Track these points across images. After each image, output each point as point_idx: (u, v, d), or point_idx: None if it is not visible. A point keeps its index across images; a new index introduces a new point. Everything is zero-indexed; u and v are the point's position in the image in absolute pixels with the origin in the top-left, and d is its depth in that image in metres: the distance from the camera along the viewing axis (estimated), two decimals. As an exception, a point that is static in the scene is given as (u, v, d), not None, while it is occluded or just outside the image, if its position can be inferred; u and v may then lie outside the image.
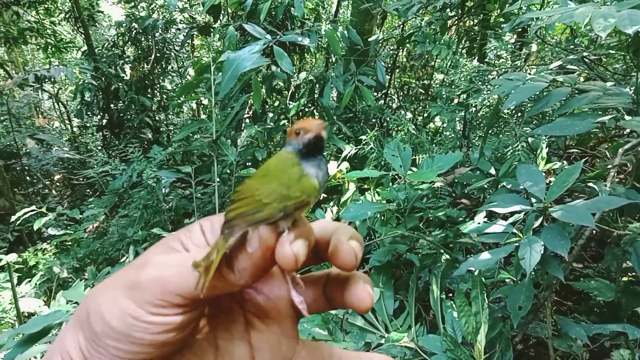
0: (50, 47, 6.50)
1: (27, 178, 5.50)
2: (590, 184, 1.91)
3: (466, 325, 1.66)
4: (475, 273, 1.77)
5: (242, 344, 0.42)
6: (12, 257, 3.16)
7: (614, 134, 3.02)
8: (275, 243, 0.38)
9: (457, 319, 1.74)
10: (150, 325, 0.35)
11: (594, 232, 1.74)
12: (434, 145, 3.58)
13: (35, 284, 3.03)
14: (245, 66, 2.70)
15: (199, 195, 3.88)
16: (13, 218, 2.98)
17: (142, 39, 5.68)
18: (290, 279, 0.42)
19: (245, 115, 4.22)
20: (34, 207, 3.01)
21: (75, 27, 6.48)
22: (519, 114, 3.16)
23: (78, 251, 3.62)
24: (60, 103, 7.09)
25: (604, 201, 1.50)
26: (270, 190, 0.40)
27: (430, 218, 2.58)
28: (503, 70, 3.14)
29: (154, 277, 0.36)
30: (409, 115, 4.61)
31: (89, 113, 5.86)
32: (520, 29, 3.40)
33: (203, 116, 6.48)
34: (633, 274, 1.99)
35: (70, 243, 3.90)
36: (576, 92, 1.86)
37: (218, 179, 3.25)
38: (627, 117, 1.66)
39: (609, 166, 1.88)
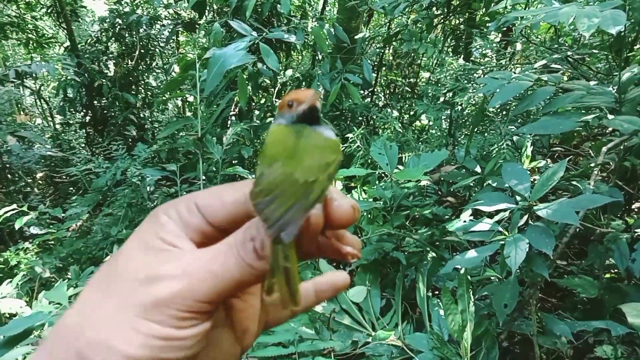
0: (31, 42, 6.38)
1: (8, 176, 5.40)
2: (574, 182, 1.93)
3: (452, 323, 1.67)
4: (461, 271, 1.78)
5: (225, 331, 0.41)
6: (-7, 256, 3.11)
7: (597, 133, 3.05)
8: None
9: (443, 317, 1.75)
10: (184, 340, 0.32)
11: (578, 229, 1.77)
12: (420, 143, 3.60)
13: (17, 284, 2.97)
14: (231, 63, 2.68)
15: (185, 193, 3.84)
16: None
17: (126, 35, 5.60)
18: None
19: (231, 113, 4.20)
20: (14, 206, 2.96)
21: (58, 22, 6.37)
22: (504, 113, 3.18)
23: (61, 250, 3.56)
24: (42, 99, 6.97)
25: (588, 199, 1.51)
26: (309, 166, 0.37)
27: (417, 216, 2.59)
28: (488, 69, 3.17)
29: (179, 290, 0.33)
30: (396, 113, 4.63)
31: (72, 110, 5.77)
32: (505, 28, 3.42)
33: (188, 113, 6.43)
34: (616, 271, 2.02)
35: (52, 242, 3.83)
36: (560, 91, 1.88)
37: (204, 177, 3.22)
38: (610, 116, 1.68)
39: (592, 165, 1.90)
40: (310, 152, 0.39)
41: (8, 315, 2.49)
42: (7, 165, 5.30)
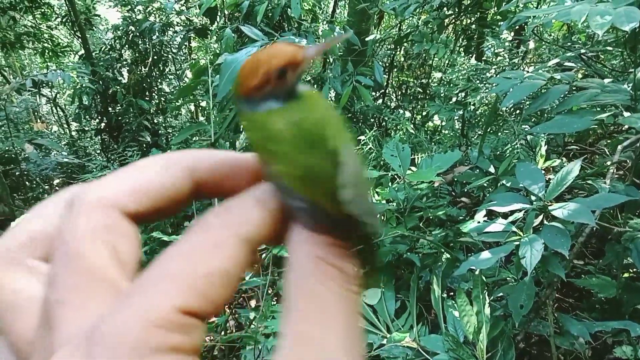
0: (47, 51, 6.49)
1: (27, 183, 5.49)
2: (590, 182, 1.91)
3: (468, 324, 1.66)
4: (476, 272, 1.77)
5: None
6: (12, 262, 3.15)
7: (613, 131, 3.01)
8: None
9: (458, 319, 1.74)
10: None
11: (595, 229, 1.74)
12: (432, 144, 3.58)
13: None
14: (242, 68, 2.70)
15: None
16: (13, 224, 2.97)
17: (139, 42, 5.67)
18: None
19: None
20: (33, 213, 3.00)
21: (72, 31, 6.48)
22: (518, 112, 3.16)
23: (78, 256, 3.60)
24: (58, 107, 7.08)
25: (604, 198, 1.50)
26: (347, 142, 0.28)
27: (430, 217, 2.58)
28: (501, 68, 3.14)
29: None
30: (408, 114, 4.61)
31: (87, 117, 5.86)
32: (517, 27, 3.40)
33: (202, 119, 6.48)
34: (634, 270, 1.99)
35: (70, 248, 3.89)
36: (574, 89, 1.86)
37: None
38: (625, 114, 1.66)
39: (608, 163, 1.88)
40: (336, 125, 0.27)
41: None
42: (25, 173, 5.39)
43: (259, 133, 0.26)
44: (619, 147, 1.69)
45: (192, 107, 6.87)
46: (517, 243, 1.51)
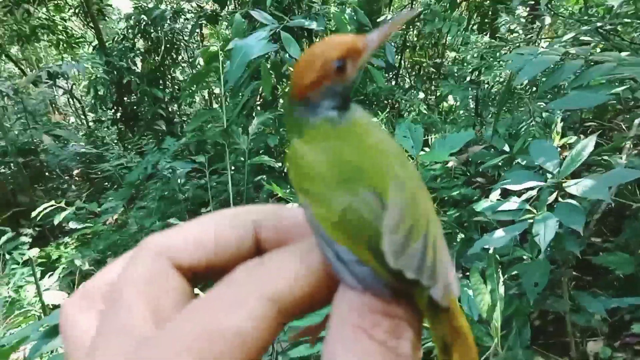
0: (62, 43, 6.56)
1: (46, 174, 5.60)
2: (607, 157, 1.87)
3: (482, 303, 1.66)
4: (490, 251, 1.76)
5: None
6: (35, 251, 3.24)
7: (633, 105, 2.94)
8: None
9: (472, 297, 1.74)
10: None
11: (611, 205, 1.72)
12: (447, 124, 3.54)
13: (59, 276, 3.10)
14: (253, 53, 2.69)
15: (214, 184, 3.91)
16: (34, 214, 3.04)
17: (152, 30, 5.69)
18: None
19: (257, 103, 4.22)
20: (53, 202, 3.07)
21: (85, 22, 6.53)
22: (533, 89, 3.10)
23: (98, 244, 3.69)
24: (74, 98, 7.17)
25: (620, 174, 1.47)
26: (413, 184, 0.24)
27: (445, 198, 2.56)
28: (516, 45, 3.08)
29: None
30: (421, 95, 4.56)
31: (103, 107, 5.93)
32: (532, 2, 3.32)
33: (215, 105, 6.51)
34: (653, 246, 1.96)
35: (90, 236, 3.97)
36: (591, 63, 1.82)
37: (233, 167, 3.27)
38: (643, 87, 1.62)
39: (625, 138, 1.84)
40: (388, 158, 0.23)
41: (51, 307, 2.61)
42: (45, 164, 5.49)
43: (295, 169, 0.24)
44: (636, 121, 1.66)
45: (206, 94, 6.90)
46: (531, 221, 1.50)
